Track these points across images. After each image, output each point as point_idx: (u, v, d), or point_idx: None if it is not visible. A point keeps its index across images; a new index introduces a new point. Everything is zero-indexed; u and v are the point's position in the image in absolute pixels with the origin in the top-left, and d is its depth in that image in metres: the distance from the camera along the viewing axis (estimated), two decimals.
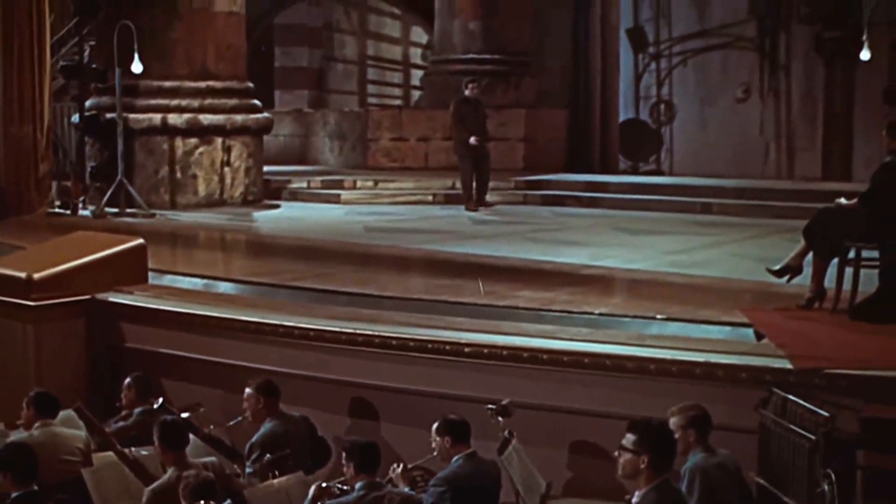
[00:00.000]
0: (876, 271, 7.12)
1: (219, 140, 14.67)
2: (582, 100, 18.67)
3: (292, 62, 25.64)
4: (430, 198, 15.40)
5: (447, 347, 6.86)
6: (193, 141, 14.52)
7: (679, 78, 20.60)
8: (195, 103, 14.50)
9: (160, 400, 7.29)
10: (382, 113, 19.37)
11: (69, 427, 6.87)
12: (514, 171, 16.92)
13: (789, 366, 6.01)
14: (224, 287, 9.04)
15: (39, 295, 8.32)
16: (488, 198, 14.57)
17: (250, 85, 15.35)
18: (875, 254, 7.12)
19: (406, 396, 7.07)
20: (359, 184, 15.93)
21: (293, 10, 25.26)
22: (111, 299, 8.50)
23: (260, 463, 6.56)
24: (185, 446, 6.23)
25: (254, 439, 6.76)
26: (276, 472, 6.40)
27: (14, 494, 5.66)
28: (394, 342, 7.05)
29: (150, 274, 9.04)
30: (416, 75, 24.73)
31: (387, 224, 12.97)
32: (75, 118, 14.74)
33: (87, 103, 14.43)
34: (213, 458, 6.56)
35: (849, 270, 7.23)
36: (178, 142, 14.43)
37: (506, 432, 6.20)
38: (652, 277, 9.12)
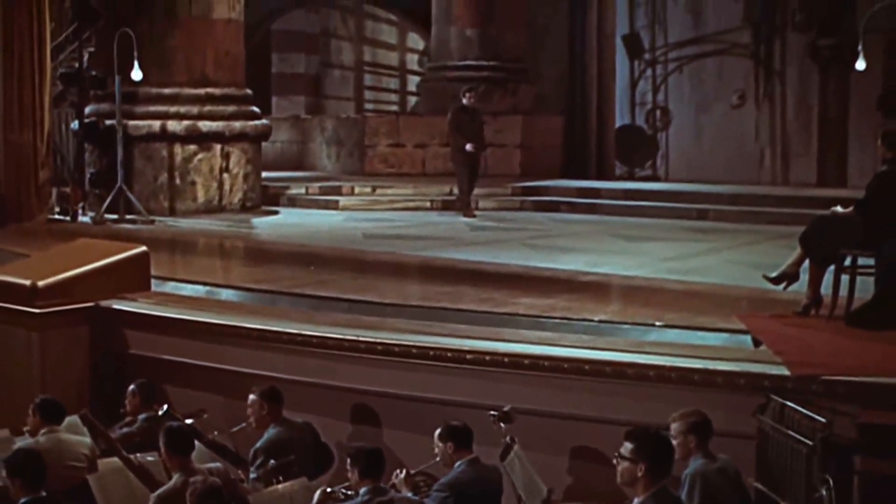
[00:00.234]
0: (872, 278, 7.19)
1: (217, 147, 14.71)
2: (578, 106, 18.74)
3: (289, 68, 25.64)
4: (428, 204, 15.48)
5: (449, 354, 6.91)
6: (192, 147, 14.56)
7: (674, 84, 20.63)
8: (194, 110, 14.55)
9: (165, 406, 7.32)
10: (380, 119, 19.39)
11: (74, 433, 6.91)
12: (511, 177, 17.01)
13: (787, 372, 6.07)
14: (226, 294, 9.09)
15: (44, 302, 8.36)
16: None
17: (249, 92, 15.39)
18: (871, 261, 7.20)
19: (408, 403, 7.11)
20: (357, 190, 16.01)
21: (290, 16, 25.26)
22: (115, 306, 8.54)
23: (264, 469, 6.62)
24: (192, 452, 6.26)
25: (258, 445, 6.82)
26: (281, 478, 6.46)
27: (23, 500, 5.67)
28: (396, 349, 7.09)
29: (153, 281, 9.08)
30: (413, 81, 24.76)
31: (385, 230, 13.03)
32: (74, 125, 14.74)
33: (87, 110, 14.47)
34: (218, 464, 6.60)
35: (845, 277, 7.33)
36: (177, 148, 14.47)
37: (507, 438, 6.25)
38: (649, 284, 9.19)
